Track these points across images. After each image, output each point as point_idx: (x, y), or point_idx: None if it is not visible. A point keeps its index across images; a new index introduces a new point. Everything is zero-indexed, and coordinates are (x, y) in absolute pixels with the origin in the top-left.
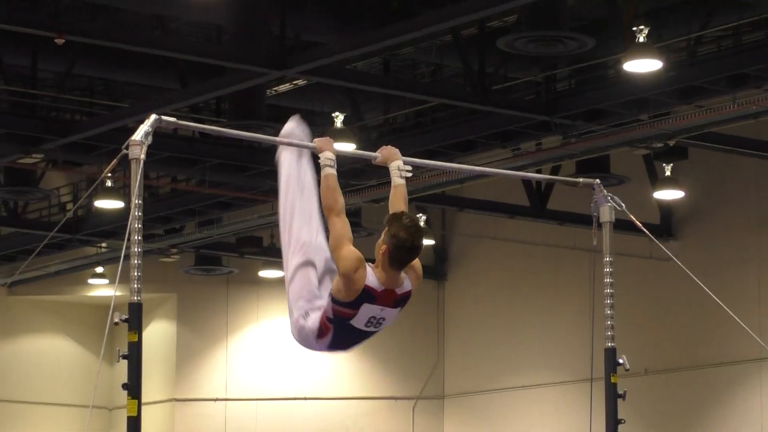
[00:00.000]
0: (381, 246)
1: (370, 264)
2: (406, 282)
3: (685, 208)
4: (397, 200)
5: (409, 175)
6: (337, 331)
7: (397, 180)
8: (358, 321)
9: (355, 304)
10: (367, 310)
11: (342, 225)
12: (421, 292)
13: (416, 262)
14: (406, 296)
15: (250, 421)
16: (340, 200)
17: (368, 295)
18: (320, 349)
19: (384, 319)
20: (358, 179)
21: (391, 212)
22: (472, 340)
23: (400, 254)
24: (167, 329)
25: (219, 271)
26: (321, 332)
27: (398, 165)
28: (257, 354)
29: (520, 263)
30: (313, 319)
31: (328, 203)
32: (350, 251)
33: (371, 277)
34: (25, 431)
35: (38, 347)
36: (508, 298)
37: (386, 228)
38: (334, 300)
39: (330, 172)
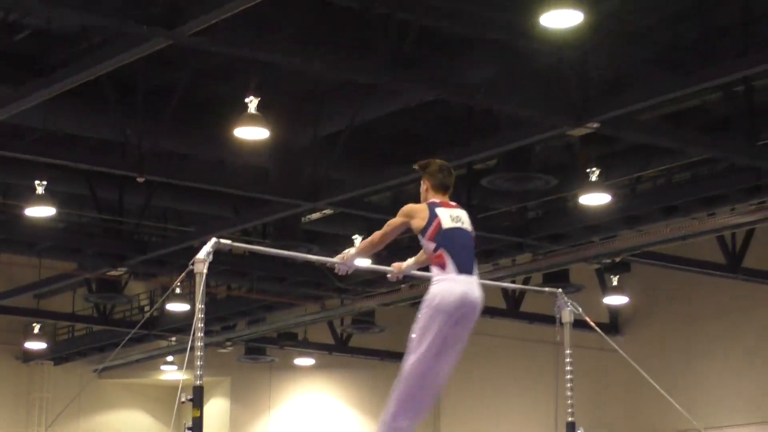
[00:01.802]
0: (423, 187)
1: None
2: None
3: (629, 311)
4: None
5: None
6: (447, 246)
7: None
8: (446, 221)
9: (432, 216)
10: (442, 212)
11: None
12: None
13: None
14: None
15: None
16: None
17: (433, 206)
18: (455, 286)
19: (459, 216)
20: (372, 287)
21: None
22: (462, 411)
23: (440, 178)
24: (223, 405)
25: (264, 359)
26: (440, 266)
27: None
28: (294, 424)
29: (499, 353)
30: (433, 282)
31: (378, 234)
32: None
33: (428, 201)
34: None
35: (121, 420)
36: (490, 380)
37: (422, 172)
38: (422, 233)
39: (350, 253)
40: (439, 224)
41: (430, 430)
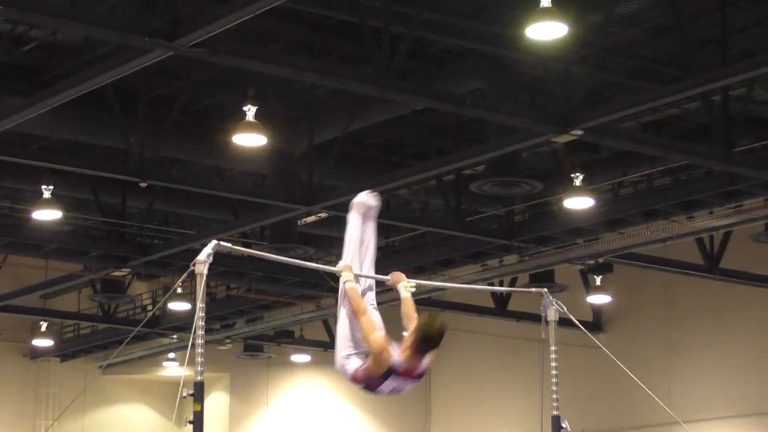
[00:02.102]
0: (410, 336)
1: (397, 345)
2: (425, 362)
3: (611, 309)
4: (408, 309)
5: (413, 290)
6: (367, 387)
7: (405, 294)
8: (383, 389)
9: (383, 377)
10: (391, 383)
11: (369, 320)
12: None
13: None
14: (423, 373)
15: None
16: (363, 304)
17: (393, 371)
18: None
19: (403, 388)
20: None
21: (419, 316)
22: (451, 407)
23: (421, 348)
24: (222, 400)
25: (261, 356)
26: (354, 379)
27: (404, 284)
28: (289, 418)
29: (488, 350)
30: (352, 365)
31: (356, 307)
32: (379, 339)
33: (396, 358)
34: None
35: (125, 414)
36: (479, 375)
37: (417, 323)
38: (367, 370)
39: (351, 285)
40: (375, 385)
41: (422, 421)
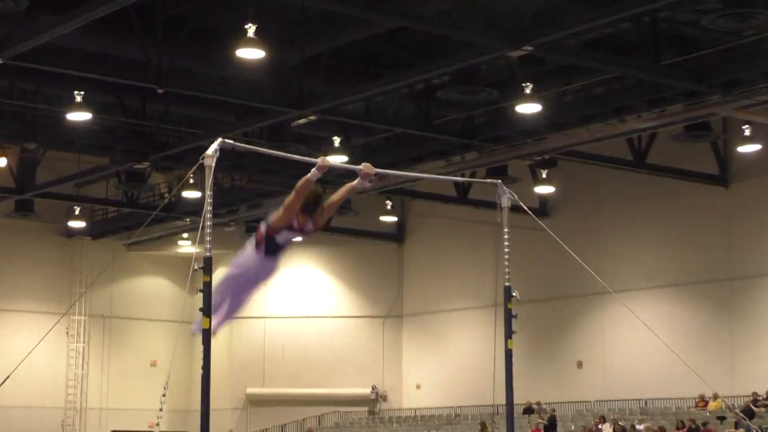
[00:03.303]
0: (299, 202)
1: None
2: (310, 226)
3: (555, 198)
4: (341, 194)
5: (370, 185)
6: (267, 244)
7: (358, 185)
8: (281, 239)
9: (280, 230)
10: (286, 235)
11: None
12: (387, 250)
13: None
14: (311, 231)
15: (279, 331)
16: (294, 195)
17: (290, 227)
18: (261, 256)
19: (293, 238)
20: (349, 179)
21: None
22: (420, 279)
23: (307, 207)
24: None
25: None
26: (257, 245)
27: (364, 185)
28: (285, 288)
29: (451, 233)
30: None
31: (293, 193)
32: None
33: (294, 221)
34: (139, 336)
35: (146, 285)
36: (443, 254)
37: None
38: (269, 226)
39: (308, 177)
40: (273, 236)
41: (396, 291)
